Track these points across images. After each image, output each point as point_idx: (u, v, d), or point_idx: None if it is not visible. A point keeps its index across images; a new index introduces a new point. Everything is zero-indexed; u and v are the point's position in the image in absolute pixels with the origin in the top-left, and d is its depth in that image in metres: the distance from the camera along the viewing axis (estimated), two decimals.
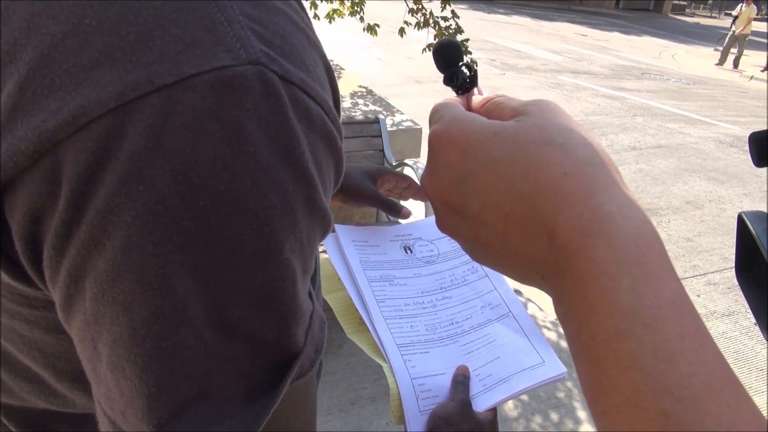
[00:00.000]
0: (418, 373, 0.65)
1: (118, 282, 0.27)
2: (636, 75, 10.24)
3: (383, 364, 0.66)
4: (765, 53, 14.81)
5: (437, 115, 0.34)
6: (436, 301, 0.73)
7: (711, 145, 6.26)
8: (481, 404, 0.65)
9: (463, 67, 0.39)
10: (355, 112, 3.20)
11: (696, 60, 13.15)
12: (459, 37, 3.23)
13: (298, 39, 0.32)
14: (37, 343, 0.37)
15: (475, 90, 0.38)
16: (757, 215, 0.52)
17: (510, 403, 2.19)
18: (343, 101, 3.37)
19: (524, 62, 10.11)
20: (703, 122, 7.19)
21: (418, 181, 2.57)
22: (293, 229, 0.31)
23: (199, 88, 0.27)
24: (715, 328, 3.10)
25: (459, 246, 0.80)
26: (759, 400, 2.62)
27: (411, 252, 0.77)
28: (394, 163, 2.79)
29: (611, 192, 0.27)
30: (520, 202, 0.28)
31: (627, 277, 0.25)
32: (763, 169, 5.54)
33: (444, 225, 0.34)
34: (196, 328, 0.28)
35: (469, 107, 0.37)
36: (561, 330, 2.66)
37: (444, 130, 0.32)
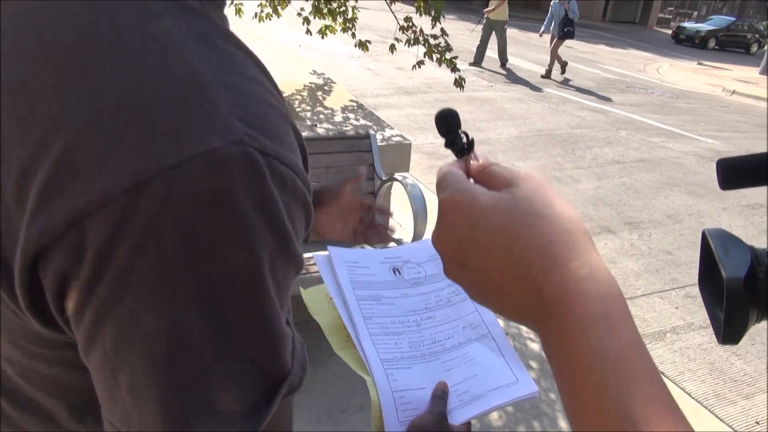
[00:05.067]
0: (399, 386, 0.71)
1: (138, 325, 0.34)
2: (620, 88, 10.42)
3: (367, 378, 0.71)
4: (741, 67, 15.07)
5: (444, 183, 0.41)
6: (421, 321, 0.78)
7: (692, 159, 6.41)
8: (457, 418, 0.71)
9: (462, 135, 0.46)
10: (347, 126, 3.27)
11: (679, 73, 13.40)
12: (448, 55, 3.32)
13: (273, 116, 0.39)
14: (54, 378, 0.43)
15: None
16: (718, 233, 0.58)
17: (494, 414, 2.27)
18: (334, 115, 3.44)
19: (511, 74, 10.24)
20: (685, 137, 7.35)
21: (406, 193, 2.60)
22: (274, 274, 0.38)
23: (197, 167, 0.33)
24: (692, 339, 3.20)
25: None
26: (732, 410, 2.72)
27: (399, 273, 0.82)
28: (384, 178, 2.87)
29: (584, 258, 0.35)
30: (514, 262, 0.36)
31: (597, 330, 0.33)
32: None
33: (449, 273, 0.41)
34: (205, 358, 0.36)
35: (467, 170, 0.44)
36: None
37: (452, 198, 0.39)
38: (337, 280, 0.78)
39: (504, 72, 10.37)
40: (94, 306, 0.35)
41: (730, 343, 0.57)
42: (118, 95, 0.34)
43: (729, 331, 0.55)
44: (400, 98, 7.79)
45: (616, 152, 6.38)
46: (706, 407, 2.70)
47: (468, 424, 0.72)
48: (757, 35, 21.70)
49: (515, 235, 0.36)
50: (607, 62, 13.69)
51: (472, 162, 0.44)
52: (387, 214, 0.95)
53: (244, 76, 0.38)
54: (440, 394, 0.71)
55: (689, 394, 2.77)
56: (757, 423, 2.64)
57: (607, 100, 9.16)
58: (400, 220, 4.01)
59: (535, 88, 9.42)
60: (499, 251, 0.36)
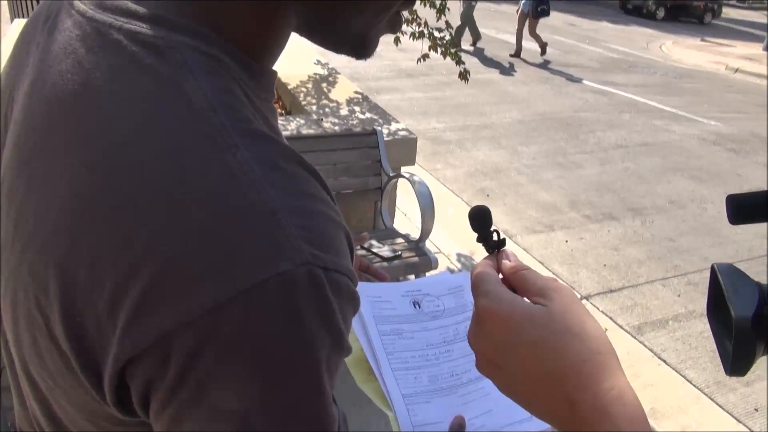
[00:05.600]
0: (419, 421, 0.74)
1: (213, 423, 0.39)
2: (623, 68, 10.36)
3: (389, 414, 0.75)
4: (746, 43, 14.93)
5: (482, 287, 0.46)
6: (440, 354, 0.81)
7: (694, 142, 6.42)
8: None
9: (494, 233, 0.51)
10: (353, 120, 3.30)
11: (682, 51, 13.30)
12: (453, 50, 3.33)
13: (331, 230, 0.43)
14: None
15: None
16: (727, 269, 0.60)
17: None
18: (340, 108, 3.46)
19: (512, 55, 10.17)
20: (688, 119, 7.35)
21: (414, 191, 2.65)
22: (329, 368, 0.42)
23: (269, 288, 0.38)
24: (694, 327, 3.27)
25: (463, 302, 0.92)
26: (732, 397, 2.79)
27: (419, 307, 0.86)
28: (391, 174, 2.91)
29: (614, 380, 0.40)
30: (549, 375, 0.41)
31: None
32: (743, 168, 5.71)
33: (482, 369, 0.46)
34: None
35: (498, 267, 0.49)
36: None
37: (490, 308, 0.44)
38: (361, 316, 0.81)
39: (482, 48, 10.29)
40: (175, 406, 0.39)
41: (737, 375, 0.61)
42: (200, 227, 0.38)
43: (737, 365, 0.60)
44: (401, 81, 7.77)
45: (619, 136, 6.39)
46: (707, 395, 2.77)
47: None
48: (711, 4, 20.38)
49: (551, 350, 0.41)
50: (609, 40, 13.58)
51: (504, 261, 0.49)
52: (381, 278, 1.01)
53: (306, 194, 0.42)
54: (457, 429, 0.75)
55: (690, 382, 2.84)
56: (756, 410, 2.71)
57: (610, 81, 9.12)
58: (407, 210, 4.05)
59: (537, 70, 9.38)
60: (535, 363, 0.41)
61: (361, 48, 0.53)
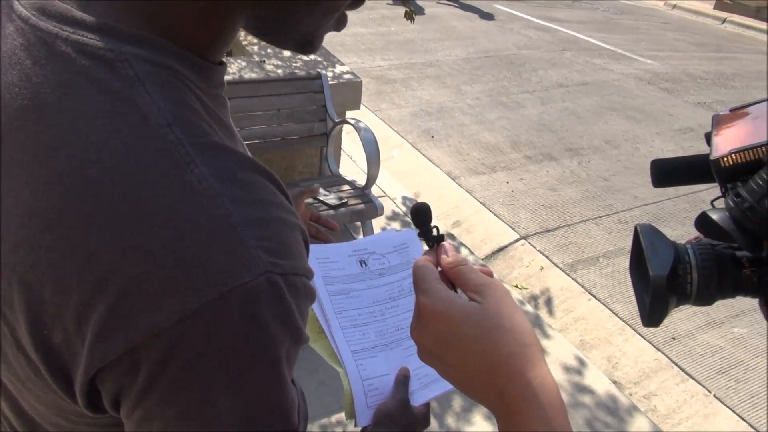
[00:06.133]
0: (367, 375, 0.79)
1: (183, 422, 0.42)
2: (567, 3, 10.38)
3: (339, 370, 0.79)
4: None
5: (423, 285, 0.50)
6: (385, 310, 0.86)
7: (631, 82, 6.59)
8: (418, 399, 0.80)
9: (434, 229, 0.55)
10: (296, 62, 3.22)
11: None
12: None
13: (287, 233, 0.45)
14: None
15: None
16: (647, 229, 0.66)
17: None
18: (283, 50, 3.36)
19: None
20: (626, 57, 7.51)
21: (359, 138, 2.64)
22: (289, 361, 0.46)
23: (231, 299, 0.40)
24: (622, 263, 3.48)
25: (408, 259, 0.97)
26: (653, 328, 3.04)
27: (366, 265, 0.89)
28: (336, 119, 2.89)
29: (537, 369, 0.46)
30: (483, 365, 0.46)
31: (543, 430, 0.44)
32: (674, 108, 5.95)
33: (423, 358, 0.51)
34: None
35: (438, 260, 0.53)
36: None
37: (431, 305, 0.48)
38: None
39: None
40: (145, 407, 0.42)
41: (652, 327, 0.69)
42: (162, 245, 0.40)
43: (653, 317, 0.67)
44: None
45: (560, 75, 6.49)
46: (630, 326, 3.00)
47: (427, 405, 0.82)
48: None
49: (484, 343, 0.46)
50: None
51: (442, 257, 0.53)
52: (332, 227, 1.04)
53: (263, 203, 0.44)
54: (402, 380, 0.81)
55: (617, 315, 3.06)
56: (673, 338, 2.97)
57: (554, 17, 9.14)
58: (352, 153, 4.05)
59: (482, 4, 9.26)
60: (471, 355, 0.47)
61: (307, 46, 0.54)
